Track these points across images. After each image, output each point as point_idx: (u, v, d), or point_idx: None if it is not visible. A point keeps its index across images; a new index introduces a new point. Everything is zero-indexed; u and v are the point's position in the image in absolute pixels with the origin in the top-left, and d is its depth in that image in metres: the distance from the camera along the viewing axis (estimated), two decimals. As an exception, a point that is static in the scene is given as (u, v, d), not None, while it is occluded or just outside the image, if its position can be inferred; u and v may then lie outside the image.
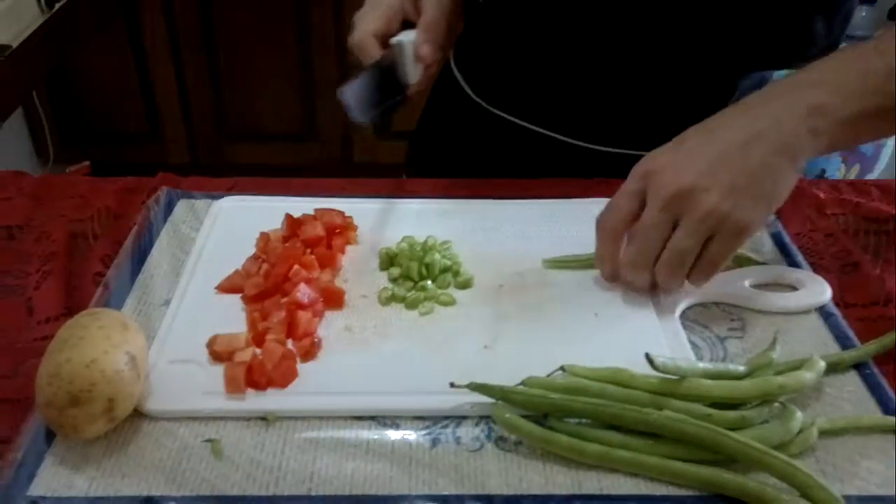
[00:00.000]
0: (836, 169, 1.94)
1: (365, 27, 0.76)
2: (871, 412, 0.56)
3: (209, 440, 0.52)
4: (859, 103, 0.59)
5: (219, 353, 0.58)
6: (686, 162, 0.59)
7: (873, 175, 1.94)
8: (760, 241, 0.73)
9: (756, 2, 0.72)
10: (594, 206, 0.77)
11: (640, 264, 0.62)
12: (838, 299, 0.66)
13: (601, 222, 0.64)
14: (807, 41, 0.75)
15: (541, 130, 0.85)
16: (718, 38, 0.75)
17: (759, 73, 0.82)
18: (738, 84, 0.81)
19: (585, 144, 0.83)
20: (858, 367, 0.59)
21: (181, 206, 0.77)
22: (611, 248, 0.64)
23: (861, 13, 2.27)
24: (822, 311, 0.65)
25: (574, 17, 0.77)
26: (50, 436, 0.53)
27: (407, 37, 0.74)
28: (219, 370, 0.57)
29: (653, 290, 0.65)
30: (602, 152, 0.83)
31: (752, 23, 0.74)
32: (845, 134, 0.60)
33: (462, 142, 0.93)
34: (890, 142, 1.91)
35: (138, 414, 0.54)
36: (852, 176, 1.92)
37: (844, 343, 0.61)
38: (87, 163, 2.43)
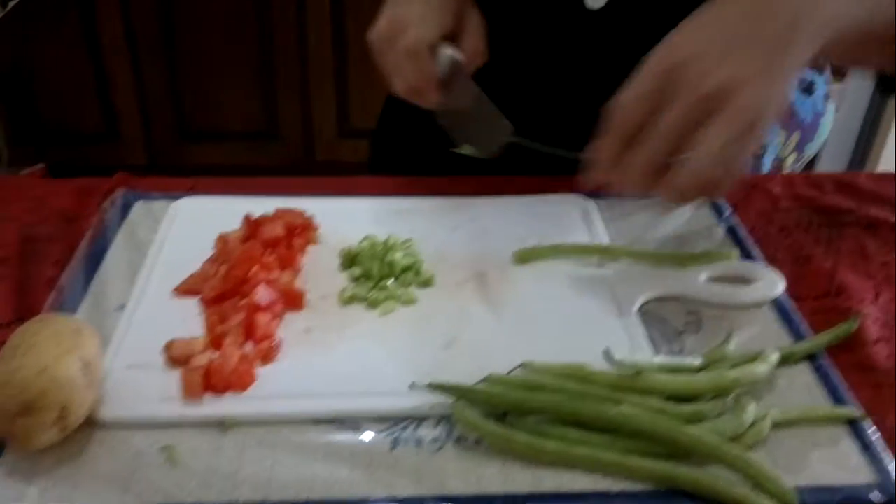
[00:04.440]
0: (776, 135, 1.96)
1: (422, 34, 0.69)
2: (823, 403, 0.57)
3: (165, 447, 0.52)
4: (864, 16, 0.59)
5: (176, 357, 0.57)
6: (712, 53, 0.55)
7: (813, 144, 1.96)
8: (715, 235, 0.74)
9: None
10: (556, 204, 0.78)
11: (650, 167, 0.56)
12: (791, 292, 0.68)
13: (615, 114, 0.58)
14: None
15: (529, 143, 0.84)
16: None
17: None
18: None
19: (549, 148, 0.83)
20: (810, 358, 0.60)
21: (138, 208, 0.76)
22: (621, 144, 0.57)
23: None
24: (776, 303, 0.66)
25: (541, 37, 0.77)
26: (0, 445, 0.51)
27: (451, 51, 0.71)
28: (176, 375, 0.56)
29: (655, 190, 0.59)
30: (566, 157, 0.83)
31: None
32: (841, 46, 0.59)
33: (423, 140, 0.92)
34: (829, 111, 1.95)
35: (92, 422, 0.53)
36: (792, 144, 1.94)
37: (797, 335, 0.62)
38: (41, 165, 2.38)
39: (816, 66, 0.62)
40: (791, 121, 1.84)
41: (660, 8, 0.72)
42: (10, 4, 1.68)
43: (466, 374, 0.55)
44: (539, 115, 0.83)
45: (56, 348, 0.50)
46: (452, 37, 0.73)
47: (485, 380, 0.55)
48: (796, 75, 0.57)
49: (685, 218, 0.77)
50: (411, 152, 0.94)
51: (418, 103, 0.73)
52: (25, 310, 0.64)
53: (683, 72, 0.54)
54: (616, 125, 0.57)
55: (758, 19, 0.56)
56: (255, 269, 0.64)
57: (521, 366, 0.56)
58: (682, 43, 0.57)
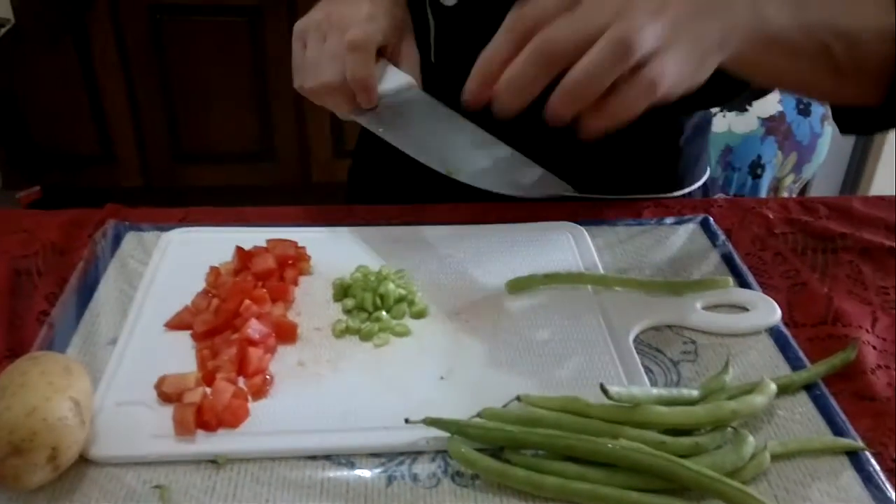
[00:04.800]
0: (773, 156, 1.95)
1: (372, 31, 0.68)
2: (822, 433, 0.56)
3: (157, 486, 0.51)
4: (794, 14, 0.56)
5: (167, 393, 0.56)
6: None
7: (810, 165, 1.96)
8: (710, 262, 0.74)
9: None
10: (549, 232, 0.78)
11: (539, 73, 0.50)
12: (787, 319, 0.67)
13: (516, 15, 0.52)
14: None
15: None
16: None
17: (703, 110, 0.83)
18: (683, 123, 0.81)
19: None
20: (808, 388, 0.60)
21: (129, 240, 0.75)
22: (514, 49, 0.51)
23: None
24: (772, 331, 0.66)
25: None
26: (-9, 487, 0.51)
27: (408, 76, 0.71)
28: (168, 411, 0.55)
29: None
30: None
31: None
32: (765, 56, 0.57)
33: (400, 169, 0.91)
34: (827, 132, 1.94)
35: (84, 460, 0.52)
36: (790, 165, 1.93)
37: (794, 364, 0.62)
38: (37, 188, 2.38)
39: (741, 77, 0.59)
40: (788, 142, 1.84)
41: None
42: (4, 29, 1.68)
43: (462, 407, 0.55)
44: (507, 141, 0.83)
45: (46, 388, 0.50)
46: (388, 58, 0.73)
47: (480, 414, 0.54)
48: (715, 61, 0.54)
49: (679, 245, 0.77)
50: (388, 182, 0.93)
51: (340, 110, 0.71)
52: (17, 344, 0.63)
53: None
54: (514, 22, 0.52)
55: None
56: (246, 302, 0.63)
57: (517, 398, 0.56)
58: None
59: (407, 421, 0.54)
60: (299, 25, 0.72)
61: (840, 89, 0.63)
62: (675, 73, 0.51)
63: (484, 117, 0.79)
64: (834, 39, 0.58)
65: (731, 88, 0.76)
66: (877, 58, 0.59)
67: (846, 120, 0.69)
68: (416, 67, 0.74)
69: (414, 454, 0.54)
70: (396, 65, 0.74)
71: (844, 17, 0.58)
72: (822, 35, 0.58)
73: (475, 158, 0.71)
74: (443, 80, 0.78)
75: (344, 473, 0.53)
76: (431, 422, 0.54)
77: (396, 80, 0.72)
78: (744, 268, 0.73)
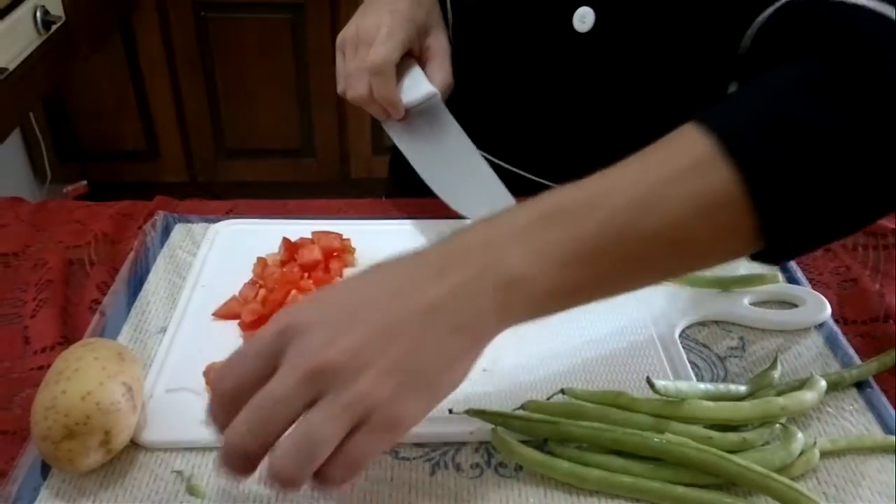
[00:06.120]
0: None
1: (389, 53, 0.70)
2: (872, 431, 0.55)
3: (177, 471, 0.52)
4: (564, 274, 0.45)
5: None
6: (343, 324, 0.43)
7: None
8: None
9: (715, 37, 0.69)
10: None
11: (254, 444, 0.42)
12: (838, 315, 0.66)
13: (217, 379, 0.45)
14: None
15: (516, 170, 0.83)
16: (677, 74, 0.73)
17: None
18: None
19: (548, 182, 0.82)
20: (859, 385, 0.59)
21: (178, 231, 0.77)
22: (226, 417, 0.44)
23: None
24: (822, 328, 0.64)
25: (531, 60, 0.77)
26: (46, 469, 0.52)
27: (431, 86, 0.73)
28: (216, 398, 0.56)
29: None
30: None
31: (711, 58, 0.71)
32: (549, 306, 0.47)
33: None
34: None
35: (135, 445, 0.54)
36: None
37: (844, 360, 0.61)
38: (83, 182, 2.43)
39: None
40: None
41: (647, 30, 0.71)
42: (55, 27, 1.72)
43: (505, 398, 0.55)
44: (526, 141, 0.83)
45: (100, 373, 0.51)
46: (417, 57, 0.75)
47: (524, 406, 0.54)
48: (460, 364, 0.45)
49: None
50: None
51: (372, 113, 0.74)
52: (69, 333, 0.65)
53: (298, 341, 0.43)
54: (216, 392, 0.45)
55: (418, 287, 0.44)
56: (293, 292, 0.64)
57: (562, 392, 0.55)
58: (304, 303, 0.48)
59: (451, 412, 0.54)
60: (340, 37, 0.75)
61: (705, 263, 0.52)
62: (413, 401, 0.44)
63: (515, 115, 0.80)
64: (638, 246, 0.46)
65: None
66: (715, 231, 0.47)
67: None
68: (445, 61, 0.75)
69: (458, 444, 0.54)
70: (425, 62, 0.76)
71: (639, 219, 0.45)
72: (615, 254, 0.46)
73: (467, 189, 0.73)
74: (462, 75, 0.79)
75: (388, 461, 0.53)
76: (475, 413, 0.54)
77: (418, 90, 0.74)
78: (792, 263, 0.71)
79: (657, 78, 0.73)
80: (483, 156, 0.75)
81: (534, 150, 0.82)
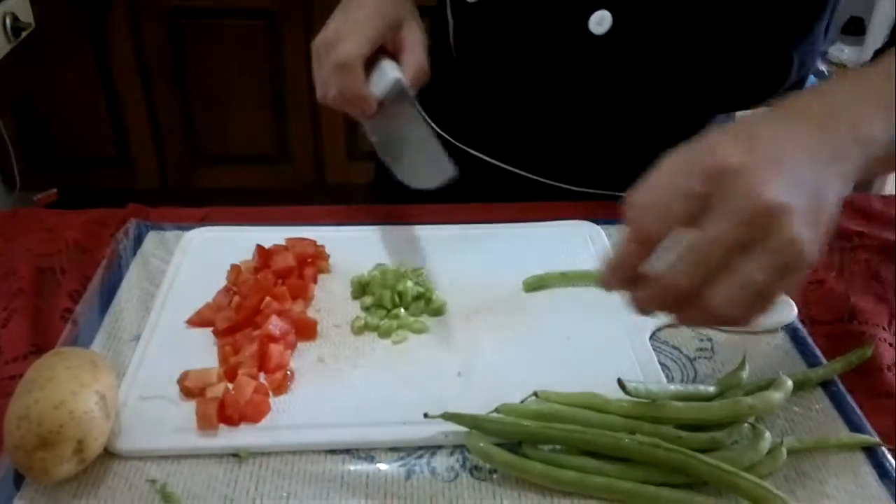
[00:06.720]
0: None
1: (354, 48, 0.69)
2: (838, 429, 0.56)
3: (151, 480, 0.52)
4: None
5: (190, 388, 0.57)
6: (769, 168, 0.45)
7: None
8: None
9: (732, 41, 0.72)
10: (565, 230, 0.78)
11: (687, 284, 0.45)
12: (804, 316, 0.68)
13: (638, 218, 0.47)
14: (781, 78, 0.75)
15: (507, 167, 0.84)
16: (693, 78, 0.75)
17: (727, 112, 0.83)
18: (708, 123, 0.81)
19: (552, 182, 0.84)
20: (825, 384, 0.60)
21: (151, 239, 0.77)
22: (642, 253, 0.47)
23: (843, 51, 2.33)
24: (789, 328, 0.66)
25: (543, 61, 0.77)
26: (19, 479, 0.52)
27: (397, 73, 0.71)
28: (191, 406, 0.56)
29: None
30: (568, 190, 0.83)
31: (727, 62, 0.73)
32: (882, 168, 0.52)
33: None
34: None
35: (109, 453, 0.53)
36: None
37: (811, 361, 0.62)
38: (54, 190, 2.40)
39: None
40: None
41: (664, 33, 0.72)
42: (25, 33, 1.70)
43: (479, 402, 0.55)
44: (537, 142, 0.83)
45: (72, 382, 0.51)
46: (392, 52, 0.73)
47: (498, 409, 0.55)
48: (838, 206, 0.48)
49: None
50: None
51: (352, 115, 0.73)
52: (41, 342, 0.64)
53: (732, 183, 0.44)
54: (639, 229, 0.47)
55: (814, 140, 0.48)
56: (267, 299, 0.64)
57: (535, 394, 0.56)
58: (728, 145, 0.46)
59: (426, 416, 0.54)
60: (313, 44, 0.74)
61: None
62: (808, 240, 0.45)
63: (528, 109, 0.80)
64: None
65: (763, 90, 0.77)
66: None
67: None
68: (417, 48, 0.73)
69: (433, 448, 0.55)
70: (399, 54, 0.74)
71: None
72: None
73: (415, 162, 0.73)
74: (464, 75, 0.79)
75: (364, 467, 0.53)
76: (450, 417, 0.54)
77: (385, 80, 0.72)
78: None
79: (671, 81, 0.75)
80: (481, 156, 0.74)
81: (541, 152, 0.83)
